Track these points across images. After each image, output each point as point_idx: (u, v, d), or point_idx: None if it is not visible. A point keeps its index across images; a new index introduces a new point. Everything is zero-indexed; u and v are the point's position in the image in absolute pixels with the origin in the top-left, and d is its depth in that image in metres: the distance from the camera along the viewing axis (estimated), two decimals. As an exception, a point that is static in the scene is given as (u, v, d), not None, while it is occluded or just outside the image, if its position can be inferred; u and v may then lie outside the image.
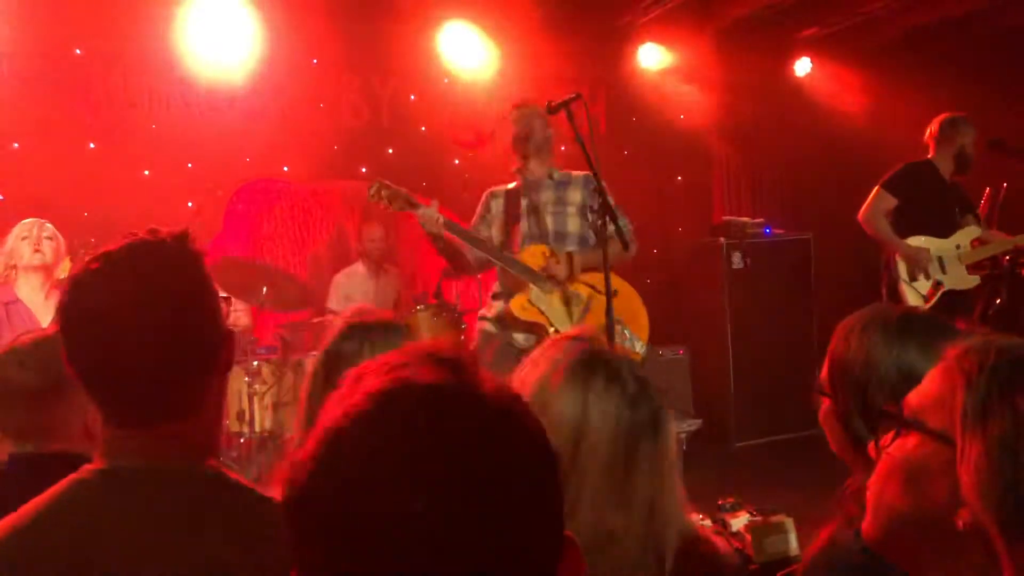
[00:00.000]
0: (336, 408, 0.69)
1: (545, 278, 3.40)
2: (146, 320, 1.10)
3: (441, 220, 3.31)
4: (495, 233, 3.60)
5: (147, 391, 1.11)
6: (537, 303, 3.36)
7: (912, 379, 1.23)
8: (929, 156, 4.59)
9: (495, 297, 3.61)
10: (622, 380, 1.11)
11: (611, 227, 3.14)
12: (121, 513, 1.06)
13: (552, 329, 3.36)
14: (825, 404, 1.43)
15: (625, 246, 3.39)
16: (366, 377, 0.71)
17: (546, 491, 0.69)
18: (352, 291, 5.61)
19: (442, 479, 0.63)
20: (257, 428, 4.81)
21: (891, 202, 4.57)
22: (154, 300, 1.11)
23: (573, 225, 3.52)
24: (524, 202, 3.55)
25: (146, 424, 1.12)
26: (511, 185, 3.66)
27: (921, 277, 4.51)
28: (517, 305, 3.37)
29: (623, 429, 1.08)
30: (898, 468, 0.91)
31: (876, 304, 1.42)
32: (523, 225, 3.51)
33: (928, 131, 4.60)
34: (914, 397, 0.94)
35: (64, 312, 1.12)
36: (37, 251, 3.28)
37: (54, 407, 1.13)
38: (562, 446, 1.05)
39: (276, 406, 4.88)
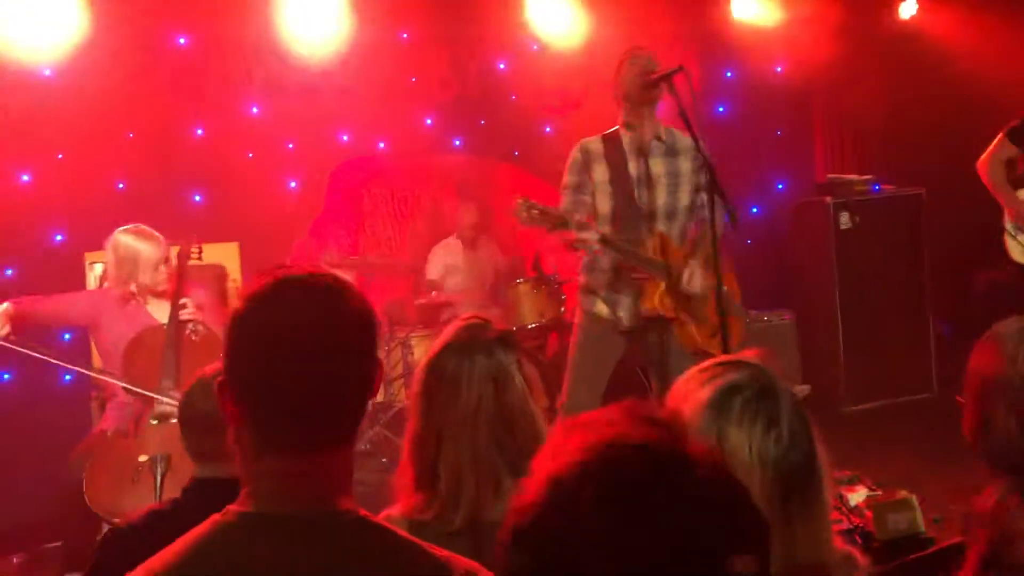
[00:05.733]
0: (553, 459, 0.75)
1: (669, 272, 3.36)
2: (321, 345, 1.10)
3: (597, 244, 3.17)
4: (602, 203, 3.42)
5: (317, 416, 1.10)
6: (671, 297, 3.34)
7: None
8: None
9: (601, 272, 3.51)
10: (780, 425, 1.12)
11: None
12: (267, 564, 1.06)
13: (691, 325, 3.36)
14: (968, 420, 1.37)
15: (733, 224, 3.32)
16: (577, 430, 0.76)
17: (762, 554, 0.71)
18: (450, 263, 5.70)
19: (660, 539, 0.69)
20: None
21: (1012, 151, 4.37)
22: (329, 325, 1.11)
23: (684, 200, 3.44)
24: (634, 169, 3.39)
25: (306, 451, 1.10)
26: (607, 133, 3.45)
27: None
28: (664, 305, 3.33)
29: (781, 472, 1.08)
30: None
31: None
32: (636, 196, 3.38)
33: None
34: None
35: (236, 333, 1.11)
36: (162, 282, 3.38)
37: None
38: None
39: (385, 379, 5.03)
